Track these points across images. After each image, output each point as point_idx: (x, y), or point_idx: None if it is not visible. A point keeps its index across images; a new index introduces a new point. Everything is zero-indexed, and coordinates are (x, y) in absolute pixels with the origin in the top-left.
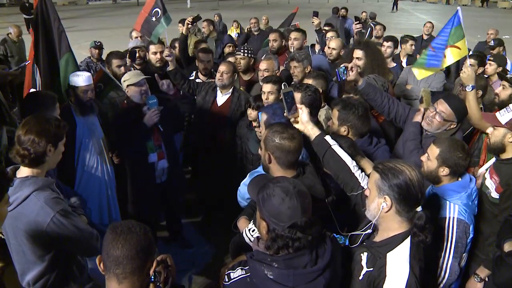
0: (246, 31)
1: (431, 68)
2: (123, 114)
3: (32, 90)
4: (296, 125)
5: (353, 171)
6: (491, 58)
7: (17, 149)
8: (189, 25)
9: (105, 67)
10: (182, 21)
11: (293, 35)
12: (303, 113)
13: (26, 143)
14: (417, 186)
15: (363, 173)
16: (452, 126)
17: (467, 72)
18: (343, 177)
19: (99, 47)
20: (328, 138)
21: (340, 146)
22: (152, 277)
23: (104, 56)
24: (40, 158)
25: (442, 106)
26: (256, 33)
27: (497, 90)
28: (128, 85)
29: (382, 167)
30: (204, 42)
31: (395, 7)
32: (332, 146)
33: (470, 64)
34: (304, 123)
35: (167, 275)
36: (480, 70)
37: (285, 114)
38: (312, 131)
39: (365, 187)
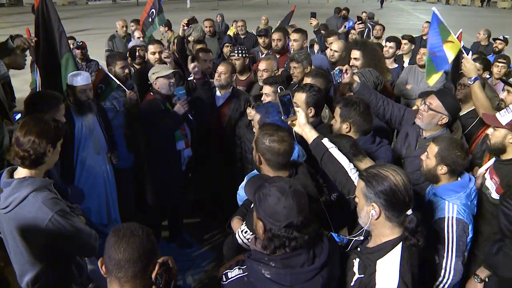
0: (233, 34)
1: (441, 71)
2: (154, 106)
3: None
4: (294, 128)
5: (349, 174)
6: (502, 60)
7: (16, 151)
8: (185, 27)
9: (100, 67)
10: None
11: (293, 36)
12: (301, 116)
13: (26, 144)
14: (403, 190)
15: None
16: (443, 120)
17: (467, 65)
18: (340, 180)
19: (81, 47)
20: (325, 141)
21: (343, 145)
22: (154, 280)
23: (90, 56)
24: (40, 159)
25: (430, 98)
26: (243, 36)
27: (502, 95)
28: (157, 77)
29: (366, 174)
30: (202, 42)
31: (381, 4)
32: (330, 149)
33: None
34: (301, 126)
35: (169, 277)
36: (485, 74)
37: (282, 118)
38: (310, 134)
39: None
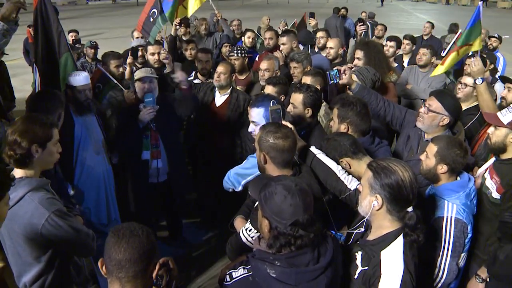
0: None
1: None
2: (123, 110)
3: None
4: None
5: (339, 175)
6: (484, 56)
7: (6, 149)
8: (177, 27)
9: (97, 66)
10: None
11: (281, 40)
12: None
13: (11, 143)
14: (409, 187)
15: (350, 175)
16: (445, 121)
17: (477, 66)
18: (331, 183)
19: (94, 46)
20: (312, 148)
21: (343, 143)
22: (155, 280)
23: (99, 56)
24: (25, 159)
25: (429, 100)
26: (238, 36)
27: (503, 93)
28: (135, 80)
29: (376, 165)
30: (193, 42)
31: (382, 3)
32: (317, 155)
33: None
34: None
35: (170, 278)
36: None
37: None
38: (298, 145)
39: (352, 189)
